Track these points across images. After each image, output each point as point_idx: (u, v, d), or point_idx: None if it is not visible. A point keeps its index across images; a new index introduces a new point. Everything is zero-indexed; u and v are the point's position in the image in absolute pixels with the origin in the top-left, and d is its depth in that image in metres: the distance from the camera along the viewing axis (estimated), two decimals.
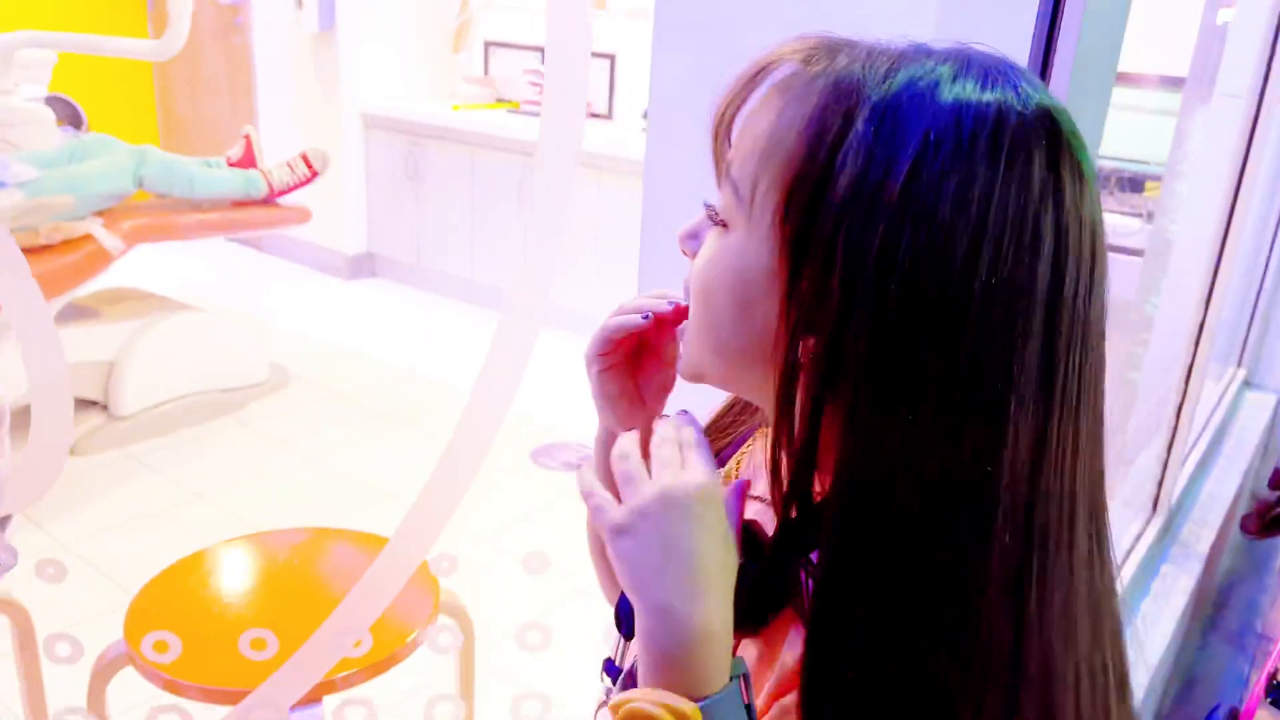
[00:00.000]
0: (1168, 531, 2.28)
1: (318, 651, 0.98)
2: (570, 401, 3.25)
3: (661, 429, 0.57)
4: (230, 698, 1.27)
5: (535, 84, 4.46)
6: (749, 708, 0.52)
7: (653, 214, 1.10)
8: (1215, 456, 2.77)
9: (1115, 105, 1.02)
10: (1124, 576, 1.98)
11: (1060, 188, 0.49)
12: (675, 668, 0.51)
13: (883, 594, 0.49)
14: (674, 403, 0.68)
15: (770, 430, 0.53)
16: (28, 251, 1.52)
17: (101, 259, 2.84)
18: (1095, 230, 0.50)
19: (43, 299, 0.94)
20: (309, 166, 3.35)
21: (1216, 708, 1.92)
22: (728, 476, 0.70)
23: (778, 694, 0.54)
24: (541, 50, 4.63)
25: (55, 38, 3.41)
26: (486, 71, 4.89)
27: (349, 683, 1.30)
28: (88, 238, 2.84)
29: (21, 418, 1.25)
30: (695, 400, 0.67)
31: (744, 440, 0.72)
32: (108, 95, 5.09)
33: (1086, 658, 0.53)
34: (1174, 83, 2.14)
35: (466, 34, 4.91)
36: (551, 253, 0.84)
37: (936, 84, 0.49)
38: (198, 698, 1.29)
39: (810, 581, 0.53)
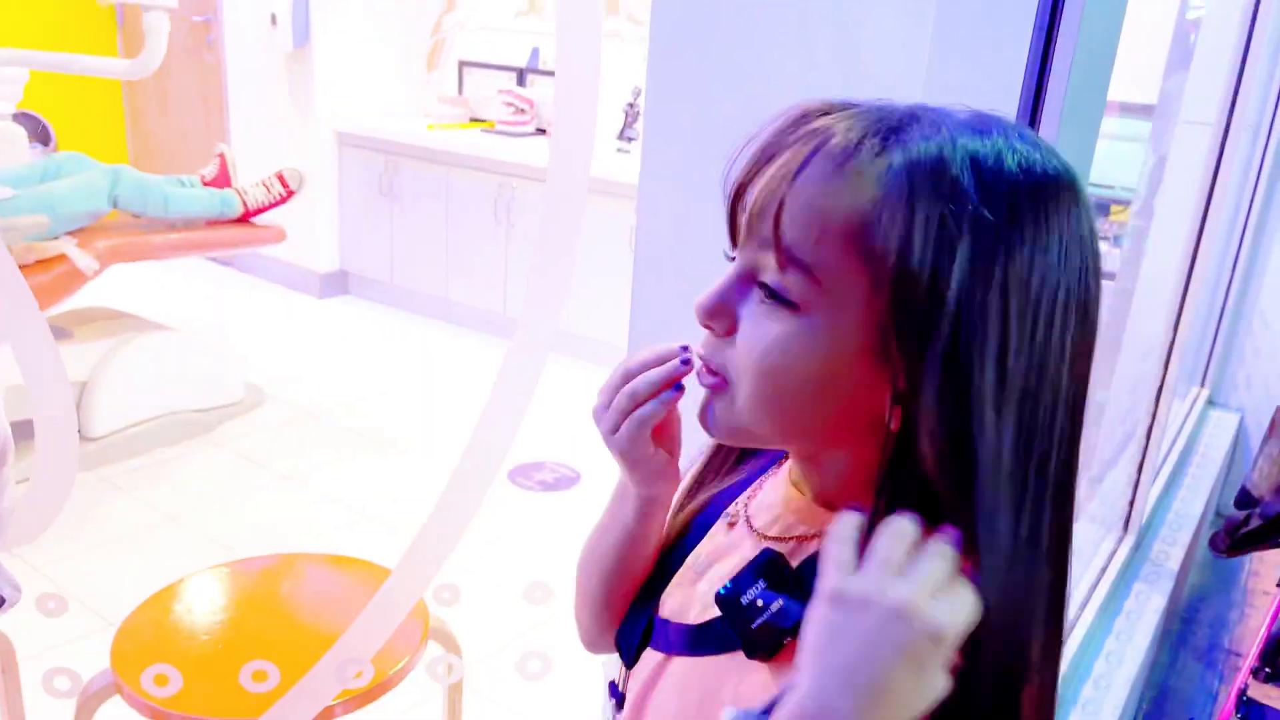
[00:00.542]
0: (1138, 550, 2.32)
1: (320, 683, 0.98)
2: (546, 422, 3.25)
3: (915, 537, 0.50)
4: None
5: (509, 104, 4.47)
6: None
7: (647, 237, 1.11)
8: (1182, 475, 2.83)
9: None
10: (1098, 594, 2.03)
11: (1094, 232, 0.56)
12: None
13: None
14: None
15: (875, 483, 0.55)
16: None
17: (76, 279, 2.80)
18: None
19: (52, 339, 0.94)
20: (285, 186, 3.32)
21: None
22: (735, 515, 0.70)
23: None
24: (516, 70, 4.65)
25: (29, 56, 3.37)
26: (461, 91, 4.90)
27: (345, 710, 1.30)
28: (61, 258, 2.79)
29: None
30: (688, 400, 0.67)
31: (753, 479, 0.72)
32: (76, 112, 5.04)
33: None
34: (1141, 110, 2.20)
35: (441, 53, 4.92)
36: (562, 284, 0.86)
37: (1000, 154, 0.52)
38: None
39: None
